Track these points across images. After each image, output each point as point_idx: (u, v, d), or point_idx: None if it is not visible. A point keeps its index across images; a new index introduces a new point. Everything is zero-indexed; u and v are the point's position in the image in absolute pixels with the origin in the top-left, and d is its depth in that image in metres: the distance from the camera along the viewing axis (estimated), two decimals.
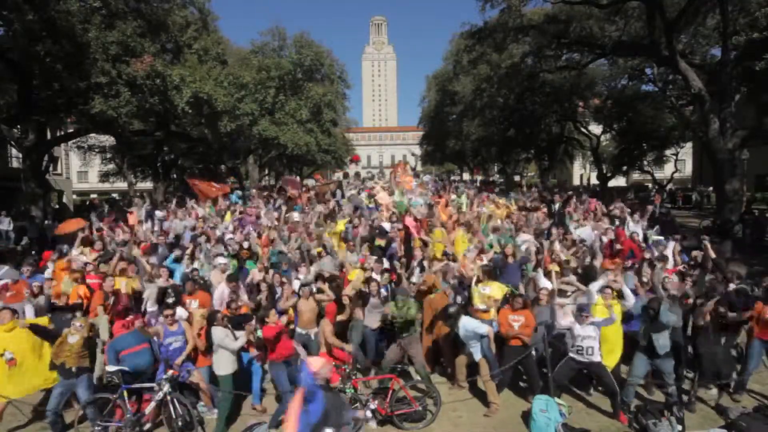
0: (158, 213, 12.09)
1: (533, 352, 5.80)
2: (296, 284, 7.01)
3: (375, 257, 7.58)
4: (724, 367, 5.51)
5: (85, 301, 6.65)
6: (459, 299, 6.77)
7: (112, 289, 6.58)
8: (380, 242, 8.67)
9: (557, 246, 7.78)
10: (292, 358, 5.41)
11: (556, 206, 11.36)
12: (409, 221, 8.72)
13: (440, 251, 7.88)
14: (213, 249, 8.40)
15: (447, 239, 8.55)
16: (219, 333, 5.37)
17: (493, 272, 6.67)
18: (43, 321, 5.63)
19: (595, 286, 6.08)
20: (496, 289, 6.37)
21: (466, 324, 5.62)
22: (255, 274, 7.25)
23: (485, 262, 7.15)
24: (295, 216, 10.85)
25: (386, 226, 9.77)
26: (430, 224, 9.30)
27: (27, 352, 5.26)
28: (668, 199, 26.83)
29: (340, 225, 9.71)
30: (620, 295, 6.00)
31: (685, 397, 5.69)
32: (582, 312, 5.46)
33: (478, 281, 6.42)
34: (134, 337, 5.41)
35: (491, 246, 8.39)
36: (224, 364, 5.40)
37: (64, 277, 7.06)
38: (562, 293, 6.41)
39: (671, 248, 8.19)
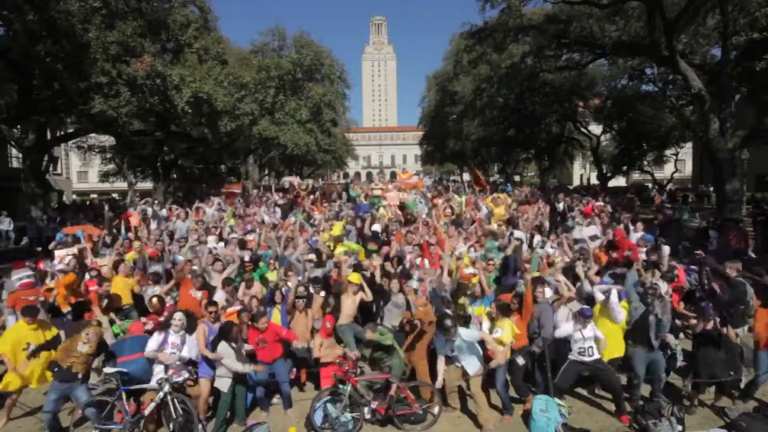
0: (162, 212, 11.99)
1: (522, 361, 5.59)
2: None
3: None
4: (720, 368, 5.46)
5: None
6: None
7: (107, 292, 6.56)
8: (373, 246, 8.44)
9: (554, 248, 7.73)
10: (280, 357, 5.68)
11: (560, 206, 11.23)
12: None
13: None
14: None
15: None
16: (226, 350, 5.20)
17: (506, 308, 5.64)
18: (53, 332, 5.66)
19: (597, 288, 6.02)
20: (507, 331, 5.48)
21: (465, 335, 5.26)
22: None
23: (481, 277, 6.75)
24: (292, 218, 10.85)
25: (376, 227, 9.57)
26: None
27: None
28: (668, 200, 26.72)
29: (337, 228, 9.52)
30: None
31: (686, 402, 5.67)
32: (584, 316, 5.28)
33: (492, 320, 5.64)
34: (132, 344, 5.33)
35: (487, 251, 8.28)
36: (224, 381, 5.29)
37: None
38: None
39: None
